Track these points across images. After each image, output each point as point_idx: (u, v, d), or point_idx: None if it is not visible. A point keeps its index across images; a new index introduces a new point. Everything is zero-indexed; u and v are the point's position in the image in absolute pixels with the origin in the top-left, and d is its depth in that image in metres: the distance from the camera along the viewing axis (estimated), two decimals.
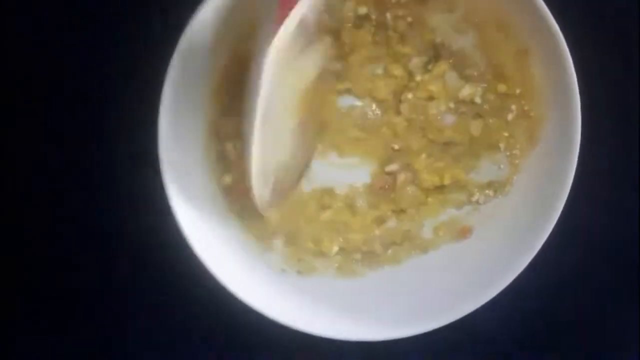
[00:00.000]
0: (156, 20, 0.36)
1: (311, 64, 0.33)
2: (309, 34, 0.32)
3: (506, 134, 0.36)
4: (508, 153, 0.36)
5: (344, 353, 0.37)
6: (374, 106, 0.36)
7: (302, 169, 0.36)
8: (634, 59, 0.38)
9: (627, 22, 0.38)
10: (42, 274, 0.39)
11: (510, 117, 0.35)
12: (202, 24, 0.31)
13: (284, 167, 0.33)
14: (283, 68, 0.30)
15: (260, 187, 0.31)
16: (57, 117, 0.38)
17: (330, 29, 0.35)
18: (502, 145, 0.36)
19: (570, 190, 0.32)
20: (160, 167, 0.32)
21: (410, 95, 0.36)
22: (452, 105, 0.36)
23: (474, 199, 0.36)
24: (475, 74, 0.36)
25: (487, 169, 0.36)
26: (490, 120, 0.36)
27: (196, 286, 0.35)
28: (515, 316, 0.38)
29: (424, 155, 0.36)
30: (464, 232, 0.36)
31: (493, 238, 0.35)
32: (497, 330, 0.39)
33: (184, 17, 0.31)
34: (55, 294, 0.39)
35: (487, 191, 0.36)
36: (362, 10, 0.35)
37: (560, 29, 0.31)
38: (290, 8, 0.29)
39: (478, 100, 0.36)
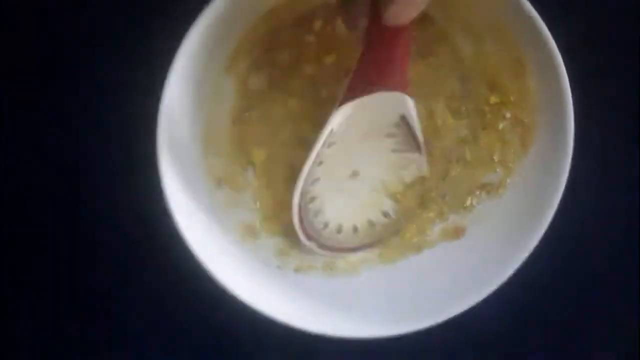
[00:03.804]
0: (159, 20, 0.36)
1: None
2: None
3: (499, 144, 0.36)
4: (502, 157, 0.36)
5: (339, 351, 0.37)
6: None
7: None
8: (627, 64, 0.39)
9: (621, 30, 0.39)
10: (40, 273, 0.39)
11: (504, 124, 0.36)
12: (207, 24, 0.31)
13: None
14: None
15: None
16: (55, 113, 0.39)
17: None
18: (495, 157, 0.36)
19: (564, 192, 0.32)
20: (158, 166, 0.31)
21: None
22: None
23: (467, 204, 0.37)
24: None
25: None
26: (481, 142, 0.37)
27: (192, 283, 0.34)
28: (508, 316, 0.39)
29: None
30: (457, 233, 0.36)
31: (486, 238, 0.35)
32: (491, 329, 0.39)
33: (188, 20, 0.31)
34: (54, 294, 0.39)
35: (480, 193, 0.37)
36: None
37: (553, 37, 0.32)
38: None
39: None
